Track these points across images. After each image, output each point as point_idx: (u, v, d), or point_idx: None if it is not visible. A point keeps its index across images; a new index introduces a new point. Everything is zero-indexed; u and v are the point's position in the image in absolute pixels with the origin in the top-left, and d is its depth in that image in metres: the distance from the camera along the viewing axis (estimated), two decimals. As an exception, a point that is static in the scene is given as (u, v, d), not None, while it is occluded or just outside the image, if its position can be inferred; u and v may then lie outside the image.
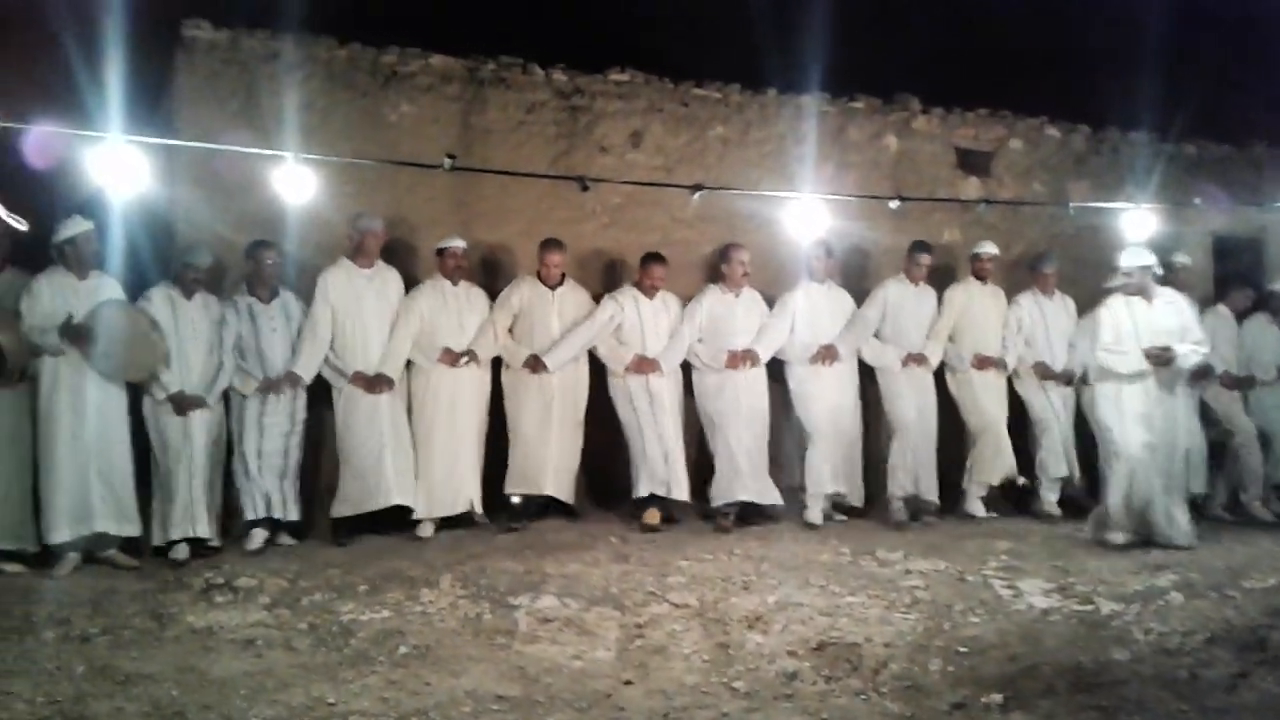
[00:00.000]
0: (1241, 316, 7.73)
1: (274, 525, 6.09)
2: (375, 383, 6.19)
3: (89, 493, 5.47)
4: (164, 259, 6.12)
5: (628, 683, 4.05)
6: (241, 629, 4.55)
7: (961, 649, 4.35)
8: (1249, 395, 7.60)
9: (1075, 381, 7.37)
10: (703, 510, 6.85)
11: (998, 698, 3.87)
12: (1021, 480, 7.28)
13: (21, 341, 5.35)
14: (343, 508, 6.17)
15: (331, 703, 3.78)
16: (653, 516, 6.58)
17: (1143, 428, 6.22)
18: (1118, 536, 6.19)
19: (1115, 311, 6.44)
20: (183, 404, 5.77)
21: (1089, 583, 5.30)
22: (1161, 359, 6.16)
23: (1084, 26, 10.02)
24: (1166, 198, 7.84)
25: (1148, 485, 6.18)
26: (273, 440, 6.03)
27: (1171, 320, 6.32)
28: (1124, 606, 4.85)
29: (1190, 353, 6.23)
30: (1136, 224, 7.06)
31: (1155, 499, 6.17)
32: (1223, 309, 7.72)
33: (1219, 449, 7.45)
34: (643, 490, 6.64)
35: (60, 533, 5.41)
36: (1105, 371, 6.41)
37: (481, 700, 3.83)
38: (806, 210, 6.56)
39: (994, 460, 7.16)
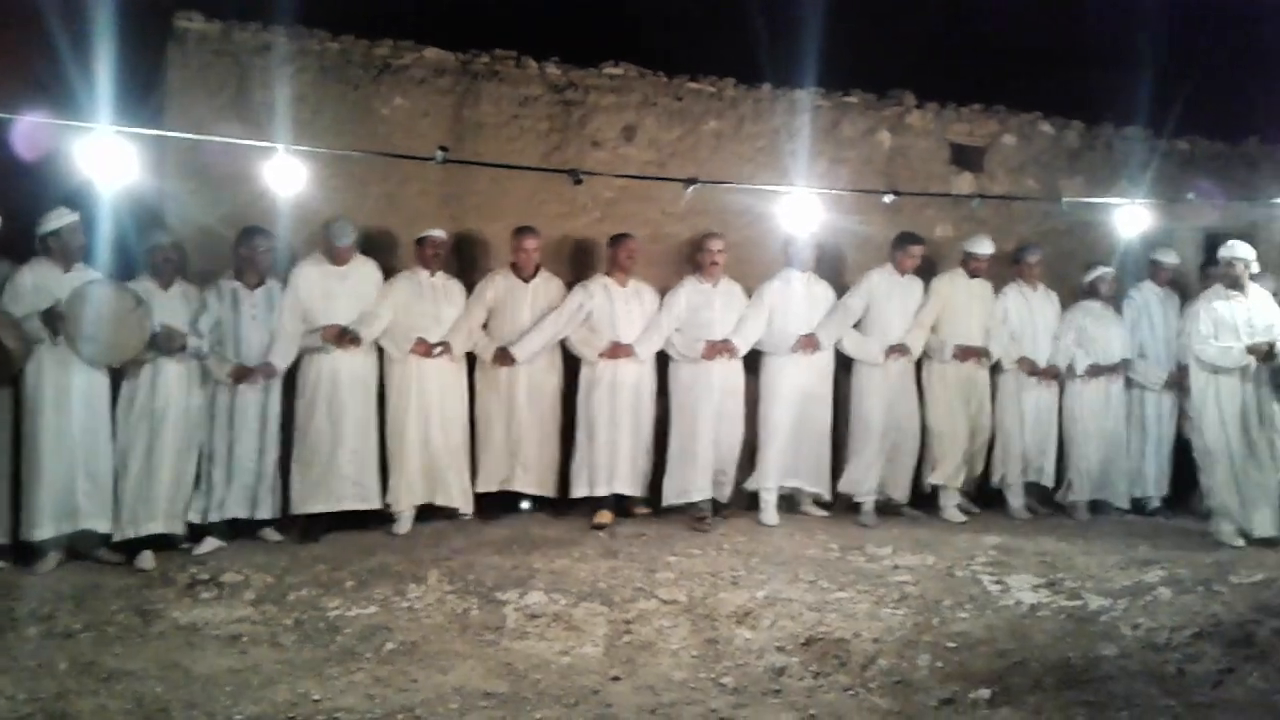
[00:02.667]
0: None
1: (251, 524, 5.99)
2: (342, 337, 6.10)
3: (74, 489, 5.38)
4: (152, 251, 6.08)
5: (615, 678, 4.05)
6: (226, 625, 4.55)
7: (950, 644, 4.36)
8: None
9: (1061, 377, 7.37)
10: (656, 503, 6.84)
11: (986, 693, 3.87)
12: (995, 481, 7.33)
13: (23, 340, 5.27)
14: (303, 504, 6.09)
15: (317, 699, 3.77)
16: (604, 517, 6.51)
17: (1239, 421, 6.30)
18: (1235, 539, 6.23)
19: (1214, 304, 6.50)
20: (168, 340, 5.60)
21: (1077, 578, 5.31)
22: (1267, 353, 6.23)
23: (1079, 23, 10.00)
24: (1160, 194, 7.83)
25: (1245, 479, 6.26)
26: (246, 439, 5.92)
27: (1267, 315, 6.38)
28: (1112, 602, 4.86)
29: None
30: (1130, 220, 7.06)
31: (1252, 491, 6.24)
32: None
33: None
34: (584, 490, 6.58)
35: (43, 529, 5.32)
36: (1204, 365, 6.48)
37: (469, 697, 3.83)
38: (800, 205, 6.55)
39: (962, 464, 7.17)
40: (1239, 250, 6.48)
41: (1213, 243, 8.45)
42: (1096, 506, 7.32)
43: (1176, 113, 8.44)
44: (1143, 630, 4.47)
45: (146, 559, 5.45)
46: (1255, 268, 6.49)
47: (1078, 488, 7.29)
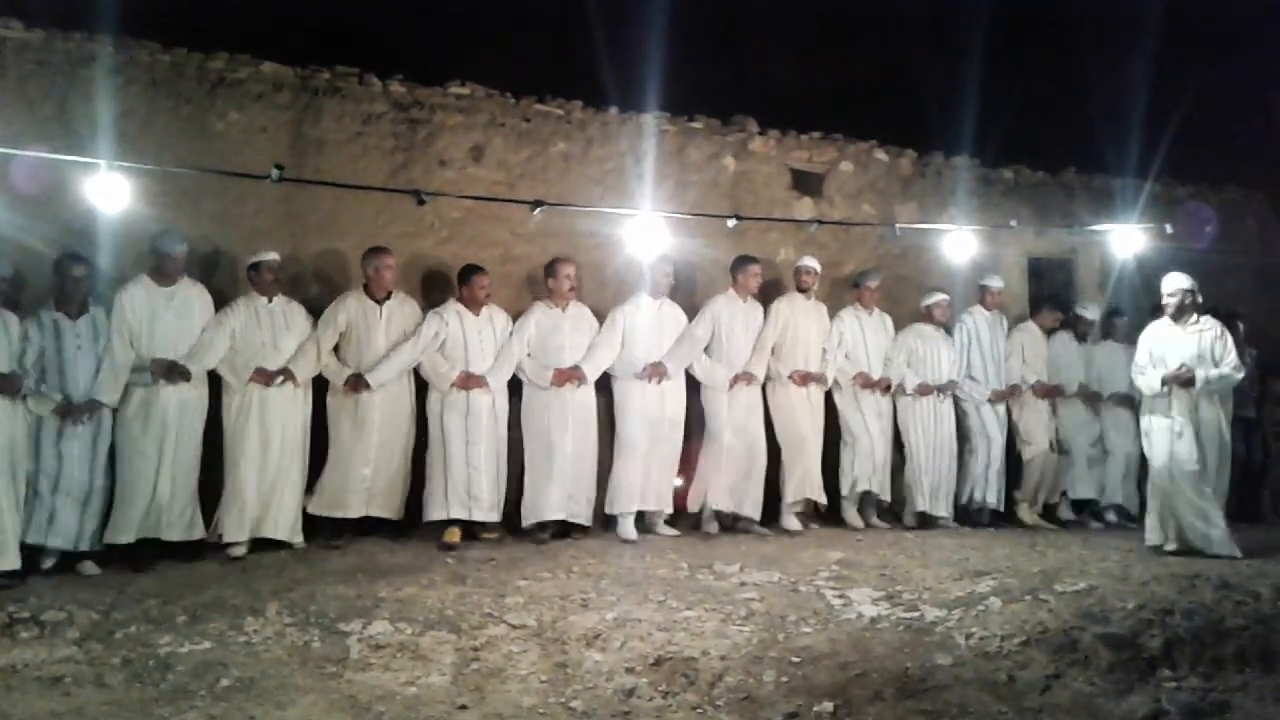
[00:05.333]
0: (1049, 334, 8.21)
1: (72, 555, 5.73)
2: (171, 371, 5.87)
3: None
4: (-37, 271, 5.72)
5: (463, 707, 3.98)
6: (48, 666, 4.26)
7: (795, 659, 4.43)
8: (1056, 411, 8.08)
9: (893, 392, 7.66)
10: (512, 528, 6.80)
11: (829, 706, 3.96)
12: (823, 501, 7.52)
13: None
14: (120, 535, 5.82)
15: (146, 741, 3.59)
16: (453, 535, 6.44)
17: (1171, 443, 6.58)
18: (1167, 545, 6.58)
19: (1153, 334, 6.80)
20: (6, 385, 5.39)
21: (914, 590, 5.48)
22: (1182, 380, 6.53)
23: (911, 56, 10.45)
24: (986, 220, 8.24)
25: (1178, 497, 6.54)
26: (72, 466, 5.66)
27: (1204, 343, 6.62)
28: (947, 613, 5.03)
29: (1219, 376, 6.51)
30: (958, 245, 7.39)
31: (1184, 510, 6.53)
32: (1032, 326, 8.22)
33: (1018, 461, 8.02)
34: (440, 513, 6.48)
35: None
36: (1137, 390, 6.86)
37: (308, 732, 3.70)
38: (646, 228, 6.63)
39: (804, 479, 7.34)
40: (1176, 282, 6.71)
41: (1036, 268, 8.98)
42: (927, 519, 7.64)
43: (1000, 143, 8.92)
44: (975, 639, 4.64)
45: None
46: (1199, 298, 6.69)
47: (909, 499, 7.64)
